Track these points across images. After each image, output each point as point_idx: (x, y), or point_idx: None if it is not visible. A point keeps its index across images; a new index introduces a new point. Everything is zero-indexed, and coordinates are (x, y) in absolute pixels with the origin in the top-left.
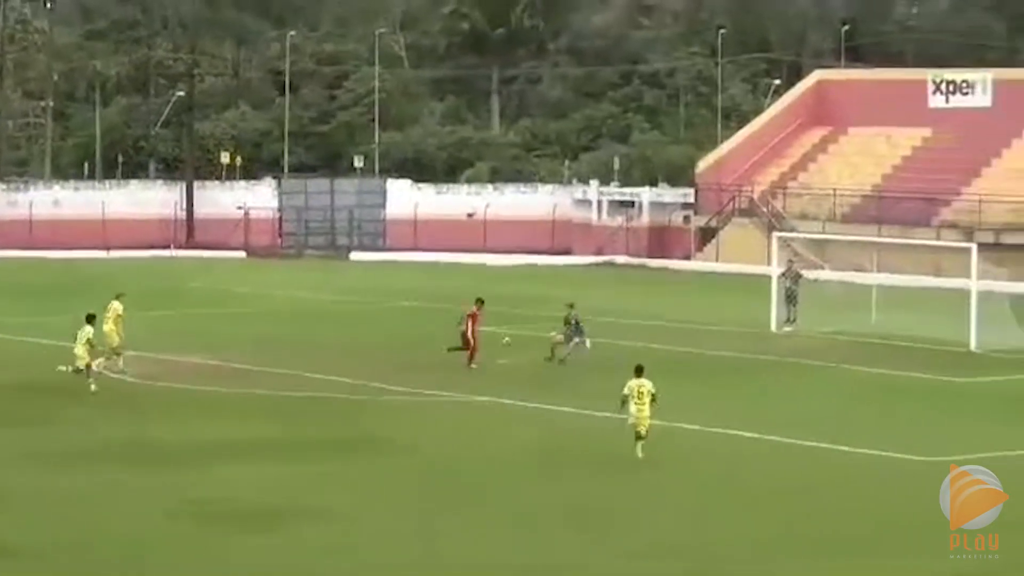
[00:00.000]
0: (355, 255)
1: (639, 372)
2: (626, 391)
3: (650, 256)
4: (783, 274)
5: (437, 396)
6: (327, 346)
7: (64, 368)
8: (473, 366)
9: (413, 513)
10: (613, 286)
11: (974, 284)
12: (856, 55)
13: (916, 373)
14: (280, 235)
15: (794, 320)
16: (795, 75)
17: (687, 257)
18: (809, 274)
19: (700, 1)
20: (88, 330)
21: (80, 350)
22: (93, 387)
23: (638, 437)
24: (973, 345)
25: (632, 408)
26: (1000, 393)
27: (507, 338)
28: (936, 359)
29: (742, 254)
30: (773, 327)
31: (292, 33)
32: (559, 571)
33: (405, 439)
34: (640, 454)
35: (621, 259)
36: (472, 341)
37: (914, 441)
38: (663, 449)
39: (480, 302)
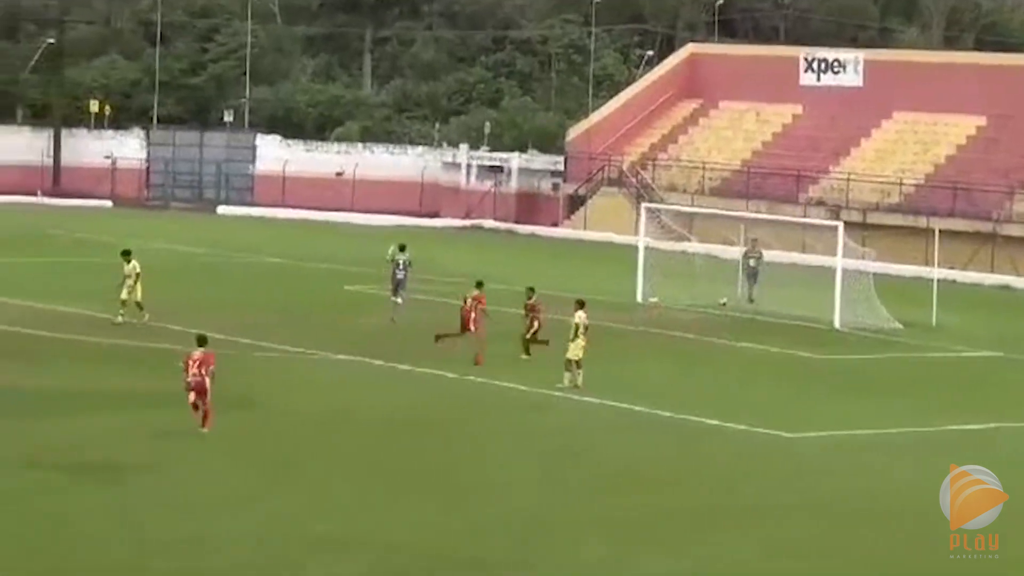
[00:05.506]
0: (222, 209)
1: (580, 305)
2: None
3: (518, 222)
4: (746, 253)
5: (300, 354)
6: (191, 299)
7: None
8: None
9: (259, 473)
10: (481, 251)
11: (839, 262)
12: (729, 30)
13: (779, 348)
14: (147, 186)
15: (753, 299)
16: (668, 48)
17: (555, 224)
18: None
19: None
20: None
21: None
22: None
23: (579, 366)
24: (837, 323)
25: (581, 340)
26: (858, 371)
27: (724, 299)
28: (800, 335)
29: (610, 223)
30: (639, 297)
31: None
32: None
33: (262, 396)
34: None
35: (489, 223)
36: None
37: (769, 415)
38: (514, 414)
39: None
